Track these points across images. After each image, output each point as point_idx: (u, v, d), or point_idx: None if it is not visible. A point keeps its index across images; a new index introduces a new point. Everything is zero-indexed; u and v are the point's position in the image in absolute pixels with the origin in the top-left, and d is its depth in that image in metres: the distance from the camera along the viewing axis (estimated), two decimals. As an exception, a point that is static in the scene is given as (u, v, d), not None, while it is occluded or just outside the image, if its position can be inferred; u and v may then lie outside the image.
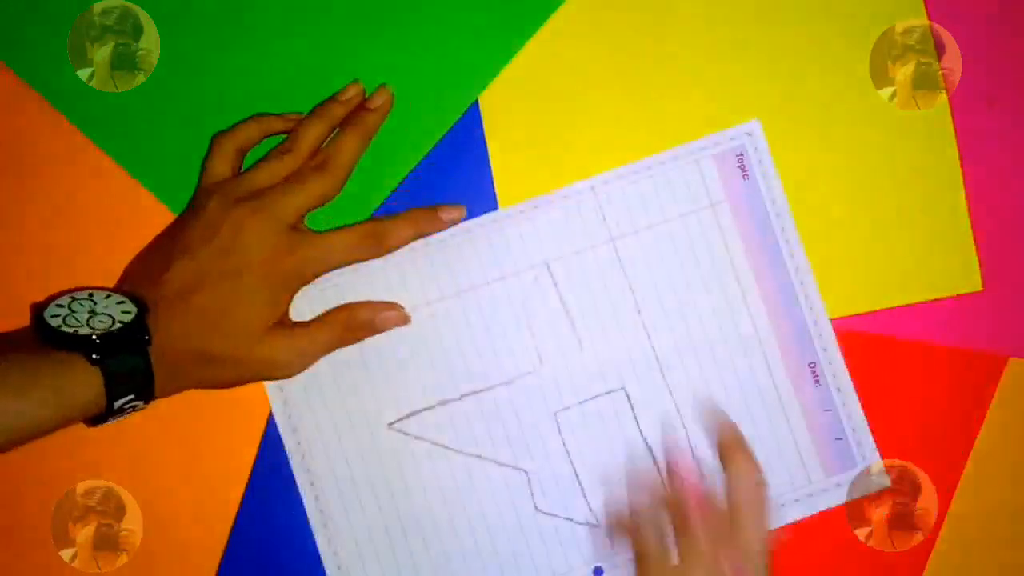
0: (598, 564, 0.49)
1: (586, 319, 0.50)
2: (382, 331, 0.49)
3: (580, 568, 0.49)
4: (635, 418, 0.49)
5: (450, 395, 0.50)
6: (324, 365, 0.49)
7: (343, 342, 0.48)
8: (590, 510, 0.49)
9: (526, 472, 0.49)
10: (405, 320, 0.49)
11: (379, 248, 0.48)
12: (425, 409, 0.50)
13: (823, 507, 0.49)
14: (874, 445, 0.49)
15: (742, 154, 0.50)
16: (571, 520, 0.49)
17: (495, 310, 0.50)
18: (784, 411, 0.49)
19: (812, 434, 0.49)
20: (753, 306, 0.50)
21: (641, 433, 0.49)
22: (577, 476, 0.49)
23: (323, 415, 0.50)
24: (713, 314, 0.50)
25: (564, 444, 0.49)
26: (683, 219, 0.50)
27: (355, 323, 0.48)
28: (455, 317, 0.50)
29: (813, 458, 0.49)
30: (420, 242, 0.50)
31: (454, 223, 0.49)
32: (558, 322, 0.50)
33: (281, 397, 0.50)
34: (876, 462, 0.49)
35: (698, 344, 0.50)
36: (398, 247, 0.48)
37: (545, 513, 0.49)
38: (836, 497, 0.49)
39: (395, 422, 0.49)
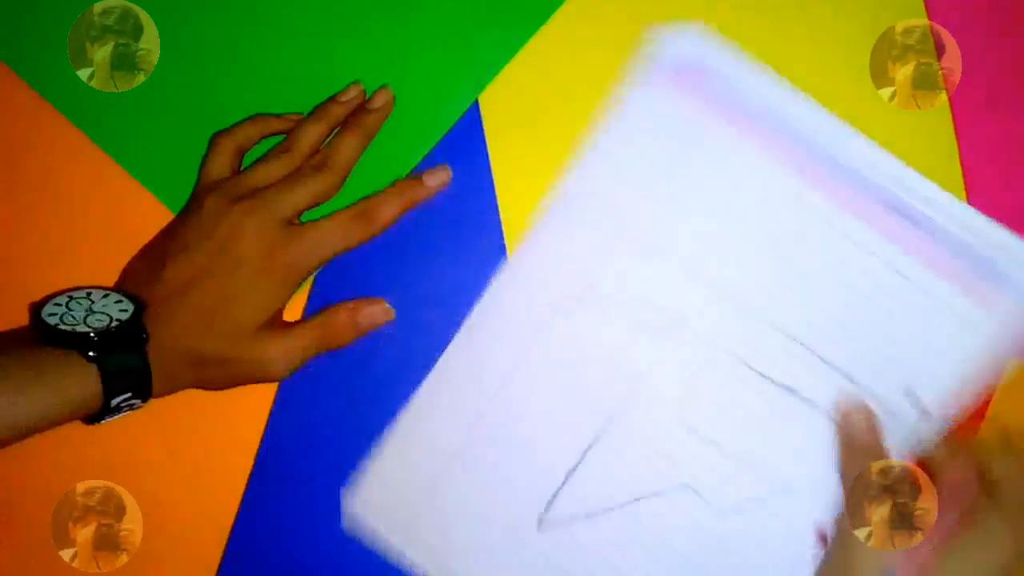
0: None
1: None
2: (367, 330, 0.49)
3: None
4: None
5: (572, 459, 0.47)
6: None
7: (327, 345, 0.48)
8: None
9: (688, 485, 0.46)
10: (388, 315, 0.49)
11: (371, 227, 0.48)
12: (561, 488, 0.47)
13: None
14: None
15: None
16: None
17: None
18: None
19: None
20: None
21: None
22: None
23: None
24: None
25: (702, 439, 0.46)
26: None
27: (334, 324, 0.48)
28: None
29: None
30: None
31: (441, 187, 0.49)
32: None
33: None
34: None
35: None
36: (390, 223, 0.48)
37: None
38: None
39: (542, 521, 0.46)
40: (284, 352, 0.47)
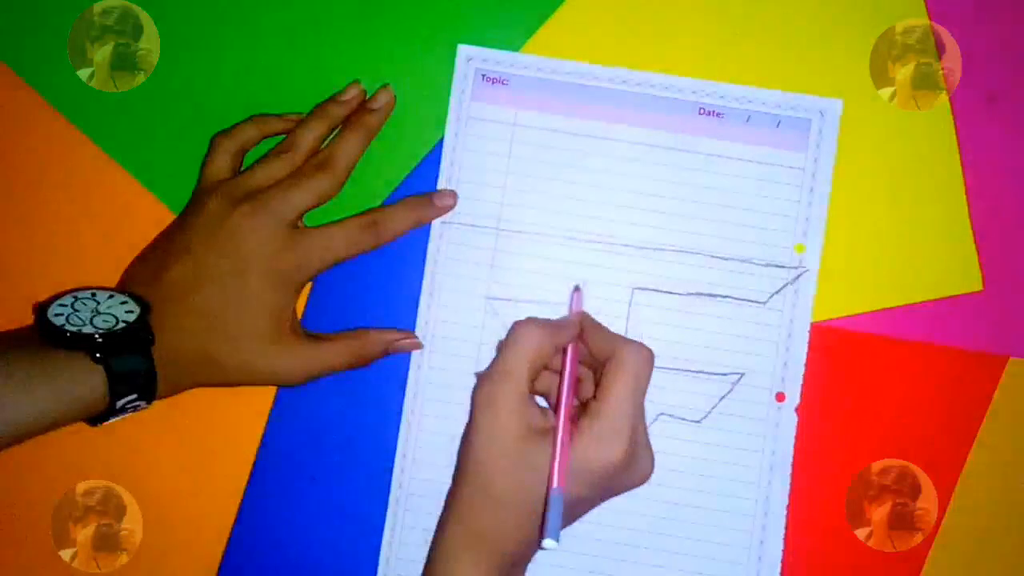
0: None
1: None
2: (392, 353, 0.49)
3: None
4: None
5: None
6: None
7: (353, 366, 0.48)
8: None
9: (662, 413, 0.50)
10: (417, 347, 0.50)
11: (378, 238, 0.48)
12: None
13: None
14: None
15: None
16: None
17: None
18: None
19: None
20: None
21: None
22: None
23: None
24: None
25: None
26: None
27: (368, 351, 0.48)
28: None
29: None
30: None
31: (449, 210, 0.50)
32: None
33: None
34: None
35: None
36: (397, 236, 0.49)
37: None
38: None
39: None
40: (306, 365, 0.47)
